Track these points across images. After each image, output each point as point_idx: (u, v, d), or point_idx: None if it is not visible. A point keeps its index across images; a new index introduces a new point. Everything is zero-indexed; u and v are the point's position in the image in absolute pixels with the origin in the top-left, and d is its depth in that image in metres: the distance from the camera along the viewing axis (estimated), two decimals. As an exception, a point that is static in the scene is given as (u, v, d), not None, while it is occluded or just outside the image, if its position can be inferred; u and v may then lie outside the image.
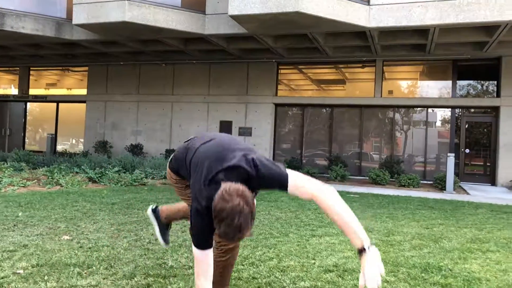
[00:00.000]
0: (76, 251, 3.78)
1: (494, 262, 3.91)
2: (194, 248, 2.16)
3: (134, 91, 16.04)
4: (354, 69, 14.71)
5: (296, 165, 13.21)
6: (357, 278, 3.20)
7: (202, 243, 2.13)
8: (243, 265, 3.53)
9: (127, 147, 15.25)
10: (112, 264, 3.47)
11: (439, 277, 3.33)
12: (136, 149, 15.05)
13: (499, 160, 12.36)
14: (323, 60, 14.09)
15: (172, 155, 2.57)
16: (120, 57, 15.17)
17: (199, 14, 11.20)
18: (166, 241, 3.04)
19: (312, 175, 12.20)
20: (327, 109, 14.53)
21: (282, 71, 14.93)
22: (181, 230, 4.75)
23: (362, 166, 13.99)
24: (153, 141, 15.64)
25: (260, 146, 14.28)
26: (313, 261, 3.71)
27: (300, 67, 15.08)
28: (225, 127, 14.74)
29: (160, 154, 14.49)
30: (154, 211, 3.05)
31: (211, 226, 1.94)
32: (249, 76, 14.65)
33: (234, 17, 9.83)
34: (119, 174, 9.65)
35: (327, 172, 12.89)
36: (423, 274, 3.39)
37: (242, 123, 14.61)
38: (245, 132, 14.50)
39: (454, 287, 3.10)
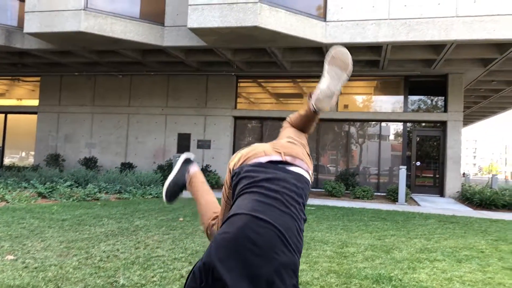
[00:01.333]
0: (21, 272, 3.59)
1: (440, 271, 4.08)
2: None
3: (89, 102, 15.59)
4: (312, 83, 15.04)
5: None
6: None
7: None
8: None
9: (80, 160, 14.74)
10: (60, 284, 3.32)
11: (389, 287, 3.43)
12: (90, 163, 14.56)
13: (447, 172, 12.97)
14: (281, 74, 14.32)
15: (245, 169, 1.74)
16: (75, 67, 14.73)
17: (158, 26, 11.11)
18: (169, 197, 2.34)
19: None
20: (286, 122, 14.73)
21: (241, 84, 15.03)
22: (134, 247, 4.63)
23: (319, 178, 14.24)
24: (108, 154, 15.22)
25: (219, 159, 14.23)
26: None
27: (259, 80, 15.25)
28: (183, 139, 14.59)
29: (115, 167, 14.09)
30: (188, 161, 2.51)
31: None
32: (208, 89, 14.64)
33: (193, 30, 9.83)
34: (71, 189, 9.30)
35: (285, 185, 12.99)
36: (374, 285, 3.48)
37: (201, 136, 14.53)
38: (204, 144, 14.41)
39: (402, 297, 3.21)
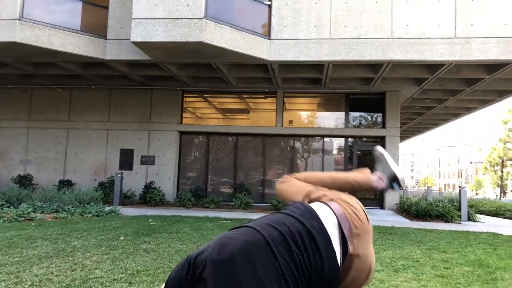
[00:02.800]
0: None
1: (378, 281, 4.23)
2: None
3: (25, 116, 14.76)
4: (257, 99, 15.27)
5: (201, 194, 13.10)
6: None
7: None
8: (137, 302, 3.35)
9: (14, 178, 13.84)
10: (-17, 313, 3.06)
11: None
12: (24, 180, 13.71)
13: (387, 185, 13.57)
14: (227, 90, 14.40)
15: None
16: (9, 79, 13.92)
17: (100, 39, 10.82)
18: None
19: (216, 203, 12.21)
20: (233, 137, 14.78)
21: (187, 99, 14.92)
22: (70, 269, 4.38)
23: (266, 193, 14.37)
24: (45, 171, 14.41)
25: (164, 175, 13.94)
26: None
27: (205, 95, 15.23)
28: (126, 155, 14.17)
29: (53, 185, 13.36)
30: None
31: None
32: (153, 103, 14.39)
33: (137, 44, 9.67)
34: (2, 209, 8.67)
35: (231, 200, 12.98)
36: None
37: (144, 152, 14.18)
38: (148, 160, 14.08)
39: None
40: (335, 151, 15.16)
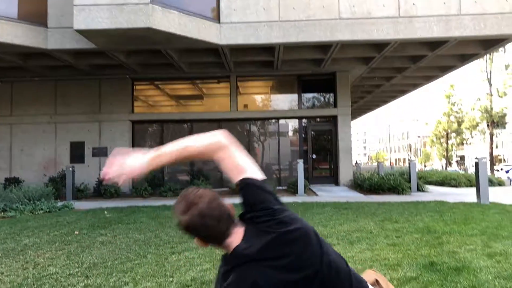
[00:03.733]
0: None
1: (335, 254, 4.40)
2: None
3: (-38, 113, 13.83)
4: (211, 84, 15.14)
5: (158, 183, 12.92)
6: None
7: None
8: (95, 295, 3.30)
9: (-46, 178, 13.00)
10: None
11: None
12: (-33, 180, 12.91)
13: (340, 163, 13.99)
14: (179, 76, 14.15)
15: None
16: None
17: (40, 28, 10.24)
18: None
19: (174, 191, 12.10)
20: (187, 124, 14.61)
21: (137, 87, 14.54)
22: (22, 268, 4.22)
23: (224, 177, 14.38)
24: (-11, 170, 13.64)
25: (119, 166, 13.60)
26: (171, 279, 3.66)
27: (156, 83, 14.90)
28: (77, 148, 13.67)
29: None
30: None
31: None
32: (102, 93, 13.90)
33: (80, 32, 9.25)
34: None
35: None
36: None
37: (95, 143, 13.73)
38: (100, 152, 13.66)
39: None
40: (290, 133, 15.37)
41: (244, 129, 14.92)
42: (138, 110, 14.35)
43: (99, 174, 13.27)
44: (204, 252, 4.57)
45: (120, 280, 3.69)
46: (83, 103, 13.86)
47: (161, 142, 14.43)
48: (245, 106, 14.84)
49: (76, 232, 6.15)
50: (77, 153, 13.64)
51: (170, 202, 10.32)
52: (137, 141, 14.38)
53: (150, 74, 13.74)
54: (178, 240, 5.36)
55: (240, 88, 14.74)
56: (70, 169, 11.61)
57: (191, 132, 14.55)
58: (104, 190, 11.99)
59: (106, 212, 8.37)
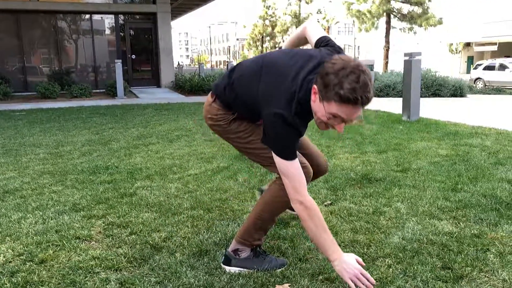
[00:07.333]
0: None
1: (154, 152, 4.50)
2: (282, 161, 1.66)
3: None
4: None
5: None
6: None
7: (292, 153, 1.66)
8: None
9: None
10: None
11: (106, 175, 3.57)
12: None
13: (161, 64, 13.74)
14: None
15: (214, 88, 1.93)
16: None
17: None
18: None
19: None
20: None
21: None
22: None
23: (29, 81, 12.70)
24: None
25: None
26: None
27: None
28: None
29: None
30: None
31: (301, 133, 1.66)
32: None
33: None
34: None
35: (-16, 92, 10.99)
36: (91, 177, 3.54)
37: None
38: None
39: (118, 181, 3.41)
40: (107, 31, 14.10)
41: (51, 24, 13.03)
42: None
43: None
44: (7, 161, 4.13)
45: None
46: None
47: (18, 37, 11.60)
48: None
49: None
50: None
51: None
52: None
53: None
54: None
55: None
56: None
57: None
58: None
59: None
